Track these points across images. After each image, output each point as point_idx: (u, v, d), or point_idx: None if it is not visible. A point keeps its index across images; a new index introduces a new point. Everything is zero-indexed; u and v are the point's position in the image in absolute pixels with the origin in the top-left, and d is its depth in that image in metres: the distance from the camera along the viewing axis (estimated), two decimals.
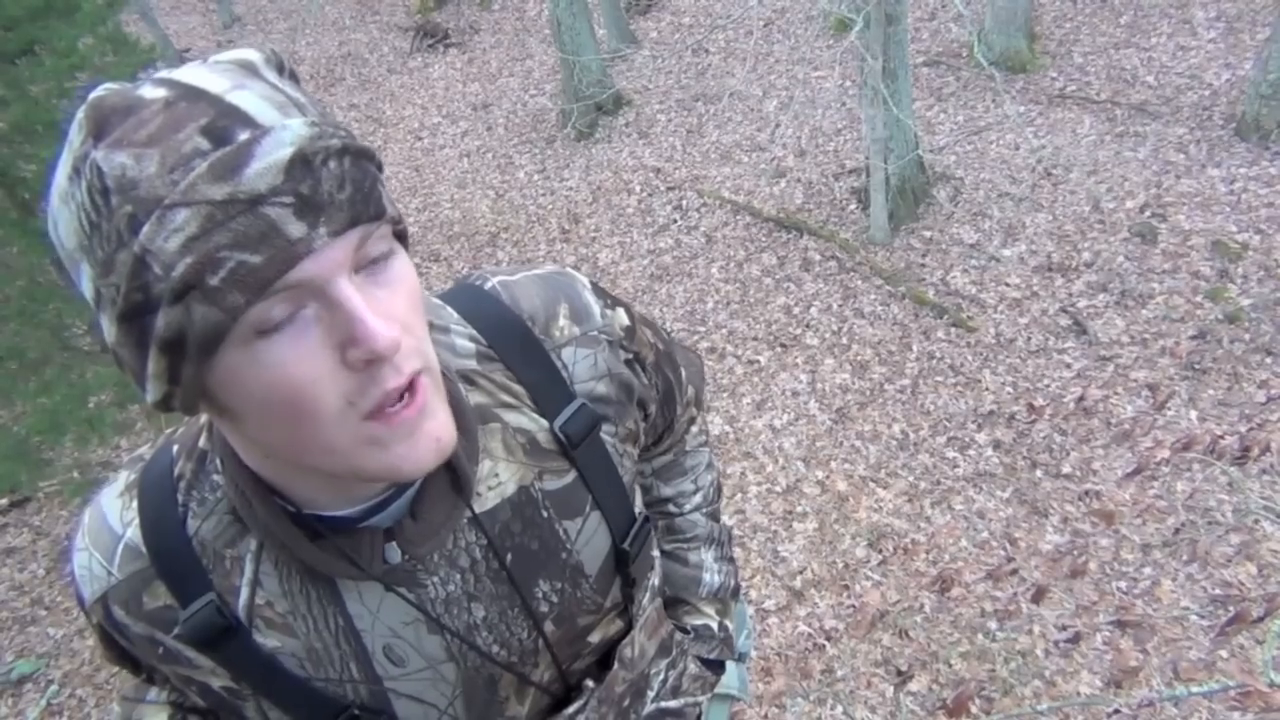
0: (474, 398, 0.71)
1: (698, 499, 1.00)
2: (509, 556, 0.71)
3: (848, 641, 3.87)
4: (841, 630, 3.93)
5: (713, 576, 1.00)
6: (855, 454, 4.78)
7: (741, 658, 1.19)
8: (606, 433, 0.76)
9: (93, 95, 0.51)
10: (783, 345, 5.53)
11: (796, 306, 5.77)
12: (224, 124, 0.49)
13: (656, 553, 0.89)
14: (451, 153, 8.64)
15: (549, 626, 0.75)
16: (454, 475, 0.67)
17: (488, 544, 0.70)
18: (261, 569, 0.67)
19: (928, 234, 6.01)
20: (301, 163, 0.49)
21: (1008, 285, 5.51)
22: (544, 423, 0.73)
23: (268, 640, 0.68)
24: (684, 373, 0.92)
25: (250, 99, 0.51)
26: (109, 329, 0.53)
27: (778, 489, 4.69)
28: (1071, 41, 7.43)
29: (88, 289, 0.52)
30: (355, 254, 0.53)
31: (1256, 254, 5.21)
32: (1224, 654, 3.33)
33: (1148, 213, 5.67)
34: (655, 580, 0.87)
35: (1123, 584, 3.82)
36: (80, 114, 0.50)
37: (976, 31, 6.92)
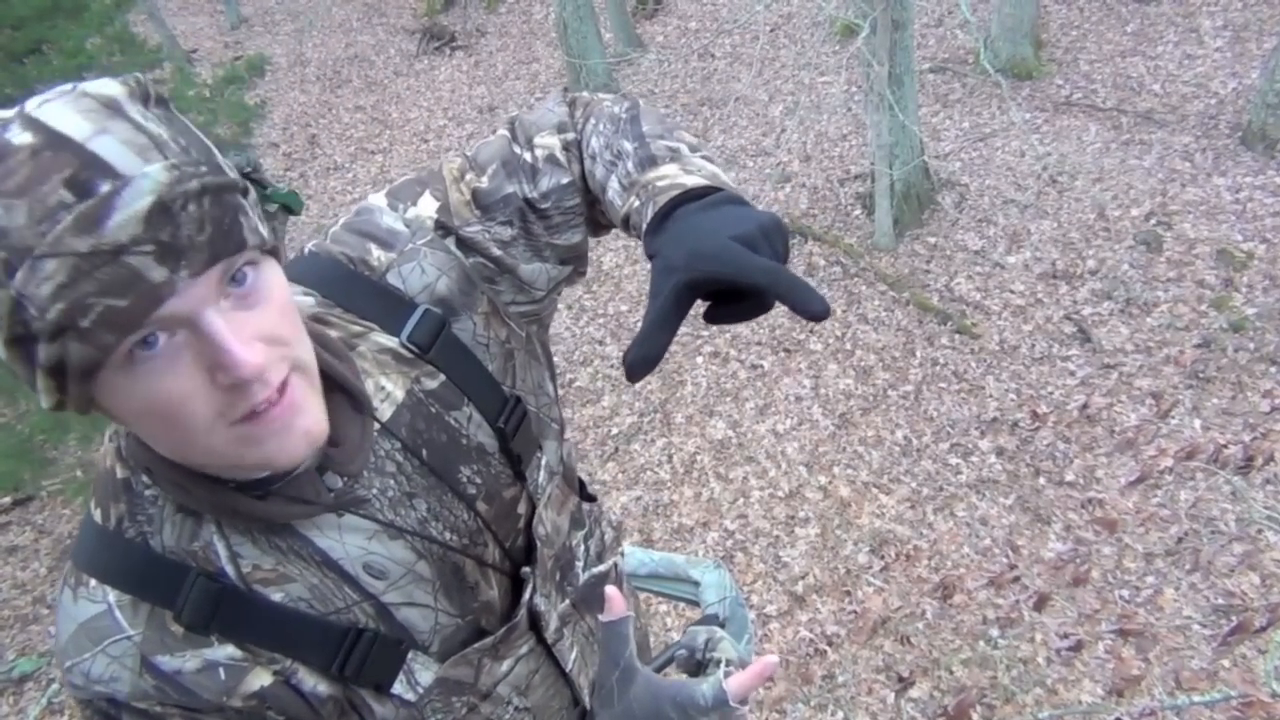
0: (332, 333, 0.75)
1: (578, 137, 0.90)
2: (424, 452, 0.78)
3: (849, 647, 3.86)
4: (843, 636, 3.92)
5: (625, 160, 0.80)
6: (858, 460, 4.78)
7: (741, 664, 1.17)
8: (461, 329, 0.80)
9: None
10: (786, 350, 5.53)
11: None
12: (86, 176, 0.52)
13: (547, 436, 0.92)
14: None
15: (481, 506, 0.82)
16: (351, 397, 0.72)
17: (402, 446, 0.76)
18: (232, 541, 0.69)
19: (932, 240, 6.00)
20: (160, 211, 0.53)
21: (1012, 292, 5.50)
22: (396, 339, 0.78)
23: (274, 595, 0.71)
24: (529, 156, 0.85)
25: (112, 145, 0.53)
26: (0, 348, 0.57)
27: (780, 494, 4.69)
28: (1078, 49, 7.43)
29: None
30: (219, 285, 0.57)
31: (1261, 263, 5.20)
32: (1226, 663, 3.32)
33: (1153, 221, 5.67)
34: (546, 458, 0.91)
35: (1125, 592, 3.81)
36: None
37: (982, 38, 6.92)
